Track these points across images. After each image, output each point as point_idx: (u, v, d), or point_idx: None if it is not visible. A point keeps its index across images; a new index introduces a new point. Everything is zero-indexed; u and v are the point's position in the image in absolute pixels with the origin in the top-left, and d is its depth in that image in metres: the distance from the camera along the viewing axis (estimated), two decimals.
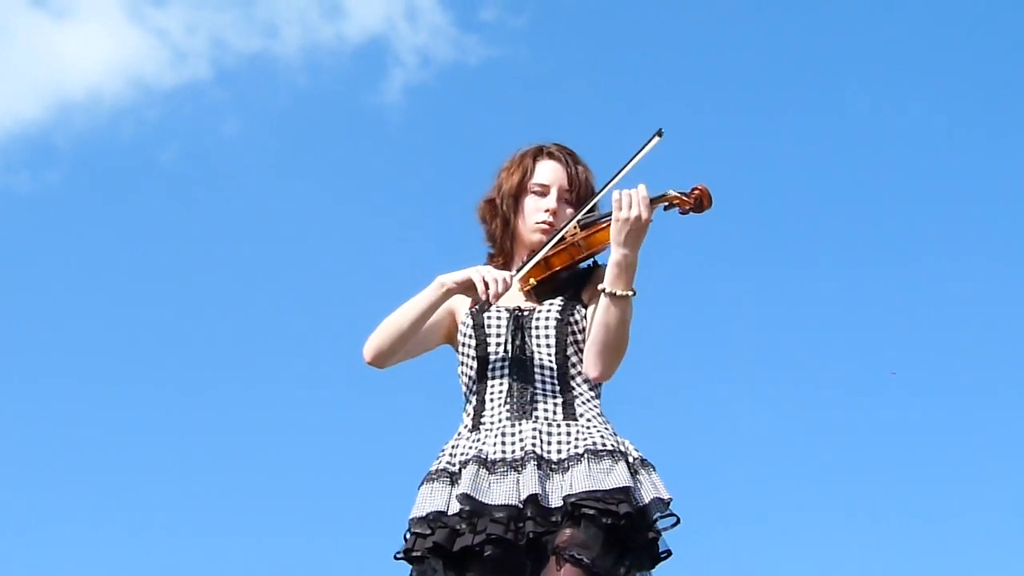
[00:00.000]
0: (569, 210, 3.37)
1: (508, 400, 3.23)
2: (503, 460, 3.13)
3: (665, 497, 3.11)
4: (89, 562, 7.98)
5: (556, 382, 3.24)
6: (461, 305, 3.38)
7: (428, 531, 3.11)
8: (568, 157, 3.43)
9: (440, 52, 9.39)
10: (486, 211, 3.46)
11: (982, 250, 8.98)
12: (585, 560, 3.00)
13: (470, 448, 3.19)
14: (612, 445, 3.14)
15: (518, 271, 3.30)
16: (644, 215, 3.14)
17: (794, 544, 7.88)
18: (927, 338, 8.82)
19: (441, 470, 3.19)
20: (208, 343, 8.91)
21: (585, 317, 3.31)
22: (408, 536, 3.16)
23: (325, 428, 8.44)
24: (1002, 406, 8.50)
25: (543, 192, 3.40)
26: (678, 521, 3.11)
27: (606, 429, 3.20)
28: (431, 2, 9.52)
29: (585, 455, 3.10)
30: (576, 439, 3.15)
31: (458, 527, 3.08)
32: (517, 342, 3.28)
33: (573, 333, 3.29)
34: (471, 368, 3.32)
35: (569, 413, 3.20)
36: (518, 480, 3.08)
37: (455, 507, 3.10)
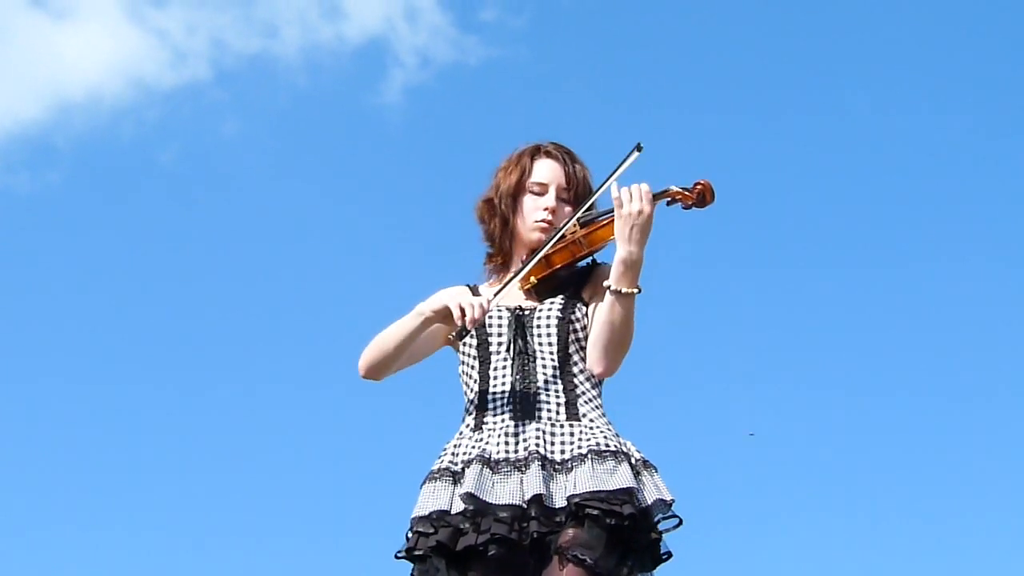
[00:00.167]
0: (567, 208, 3.38)
1: (511, 400, 3.23)
2: (507, 460, 3.13)
3: (668, 498, 3.11)
4: (89, 563, 7.99)
5: (559, 381, 3.24)
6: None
7: (431, 530, 3.10)
8: (565, 156, 3.43)
9: (440, 53, 9.39)
10: (484, 211, 3.46)
11: (982, 250, 8.99)
12: (588, 560, 3.00)
13: (473, 448, 3.19)
14: (615, 446, 3.14)
15: (500, 286, 3.30)
16: (647, 209, 3.15)
17: (795, 545, 7.89)
18: (927, 338, 8.83)
19: (443, 469, 3.19)
20: (208, 343, 8.91)
21: (586, 315, 3.31)
22: (410, 535, 3.16)
23: (325, 428, 8.44)
24: (1002, 406, 8.51)
25: (541, 191, 3.40)
26: (680, 522, 3.11)
27: (609, 430, 3.20)
28: (431, 3, 9.52)
29: (589, 455, 3.10)
30: (579, 439, 3.15)
31: (461, 526, 3.08)
32: (519, 341, 3.28)
33: (575, 331, 3.29)
34: (473, 368, 3.32)
35: (572, 413, 3.20)
36: (522, 480, 3.08)
37: (458, 506, 3.10)
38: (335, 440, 8.37)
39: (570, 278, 3.38)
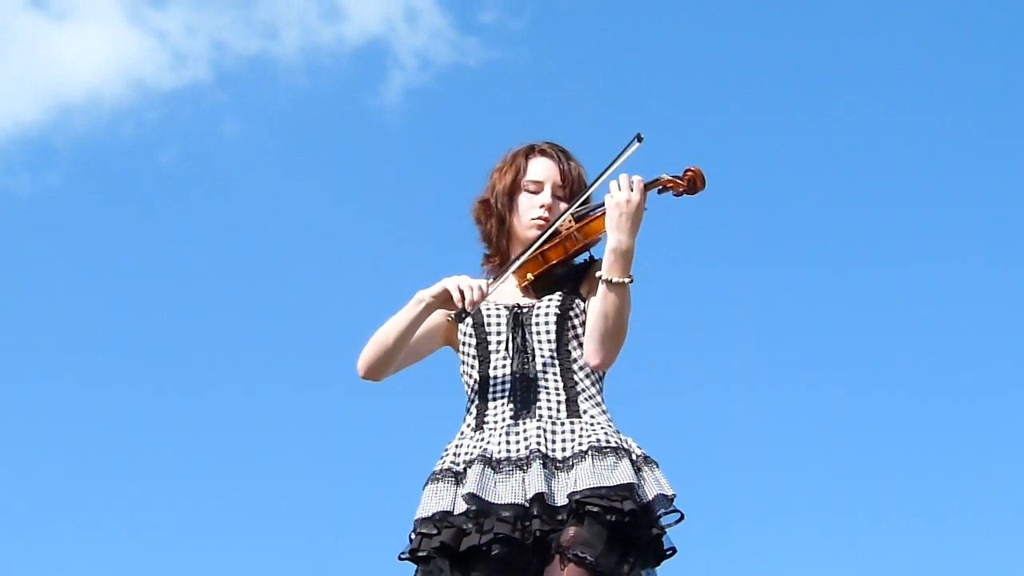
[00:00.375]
0: (563, 205, 3.38)
1: (511, 398, 3.23)
2: (508, 459, 3.13)
3: (669, 493, 3.11)
4: (90, 563, 7.99)
5: (559, 378, 3.24)
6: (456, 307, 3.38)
7: (434, 531, 3.11)
8: (560, 154, 3.44)
9: (439, 54, 9.40)
10: (480, 212, 3.47)
11: (982, 249, 9.00)
12: (588, 558, 3.00)
13: (474, 448, 3.19)
14: (616, 442, 3.14)
15: (496, 278, 3.31)
16: (635, 198, 3.16)
17: (798, 541, 7.89)
18: (927, 336, 8.84)
19: (445, 470, 3.19)
20: (208, 344, 8.91)
21: (584, 311, 3.31)
22: (413, 536, 3.16)
23: (327, 429, 8.44)
24: (1003, 406, 8.51)
25: (537, 189, 3.41)
26: (682, 517, 3.11)
27: (609, 426, 3.20)
28: (430, 4, 9.53)
29: (589, 452, 3.10)
30: (580, 436, 3.15)
31: (465, 526, 3.08)
32: (518, 339, 3.28)
33: (573, 327, 3.29)
34: (472, 367, 3.32)
35: (573, 410, 3.20)
36: (524, 479, 3.08)
37: (461, 507, 3.10)
38: (337, 441, 8.38)
39: (568, 275, 3.38)
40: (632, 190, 3.17)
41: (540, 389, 3.23)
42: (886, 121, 9.24)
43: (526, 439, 3.15)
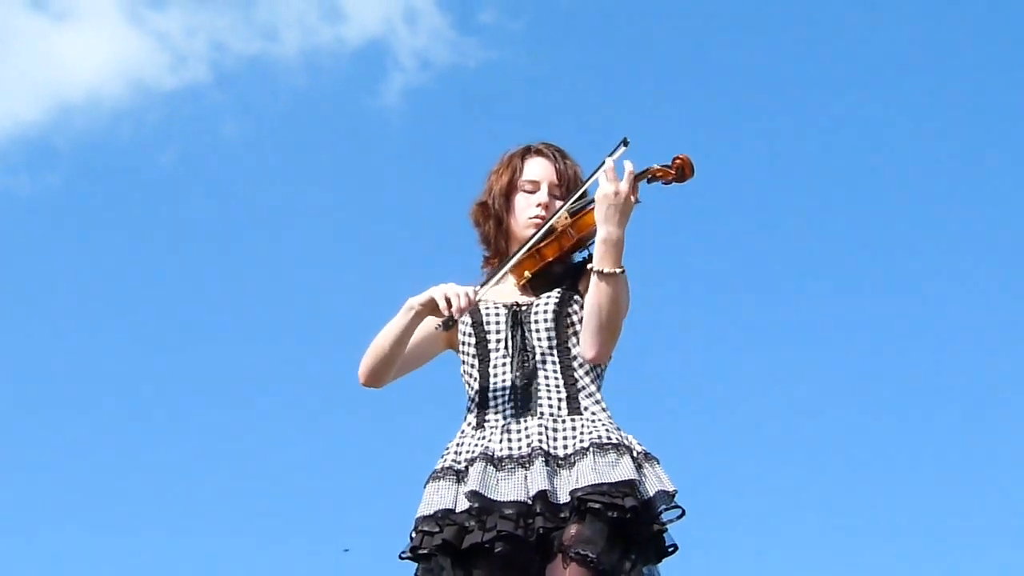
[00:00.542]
0: (560, 204, 3.39)
1: (512, 396, 3.23)
2: (510, 457, 3.13)
3: (670, 489, 3.11)
4: (92, 564, 7.99)
5: (559, 375, 3.24)
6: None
7: (436, 529, 3.10)
8: (556, 153, 3.45)
9: (439, 55, 9.41)
10: (479, 214, 3.48)
11: (982, 248, 9.01)
12: (590, 556, 2.99)
13: (476, 446, 3.19)
14: (617, 438, 3.14)
15: (489, 279, 3.31)
16: (623, 189, 3.16)
17: (800, 539, 7.89)
18: (927, 336, 8.85)
19: (447, 468, 3.19)
20: (208, 344, 8.92)
21: (583, 308, 3.32)
22: (415, 535, 3.16)
23: (326, 429, 8.44)
24: (1005, 406, 8.52)
25: (533, 189, 3.42)
26: (683, 513, 3.11)
27: (610, 422, 3.20)
28: (430, 5, 9.54)
29: (590, 449, 3.10)
30: (581, 433, 3.15)
31: (467, 524, 3.07)
32: (517, 337, 3.29)
33: (572, 324, 3.29)
34: (473, 367, 3.32)
35: (573, 407, 3.20)
36: (526, 476, 3.08)
37: (463, 504, 3.10)
38: (337, 442, 8.38)
39: (566, 272, 3.38)
40: (619, 181, 3.18)
41: (540, 387, 3.23)
42: (886, 119, 9.26)
43: (527, 437, 3.15)
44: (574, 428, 3.17)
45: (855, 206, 9.20)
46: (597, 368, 3.29)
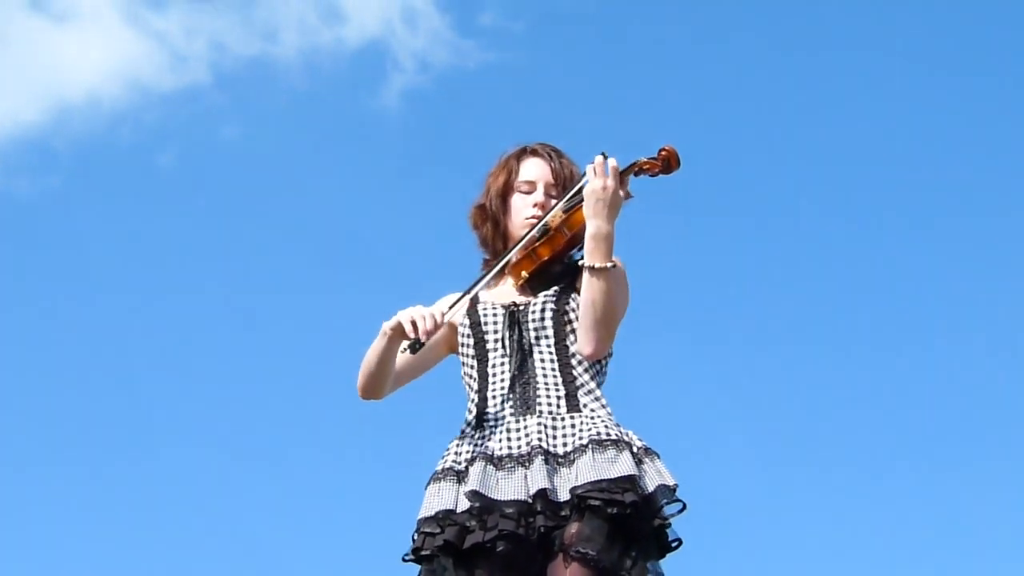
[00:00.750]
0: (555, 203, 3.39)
1: (511, 396, 3.23)
2: (510, 456, 3.13)
3: (670, 483, 3.10)
4: (94, 565, 7.99)
5: (557, 374, 3.24)
6: (459, 313, 3.39)
7: (438, 530, 3.10)
8: (551, 153, 3.45)
9: (438, 57, 9.42)
10: (477, 217, 3.49)
11: (980, 247, 9.02)
12: (590, 554, 2.99)
13: (475, 445, 3.19)
14: (616, 435, 3.13)
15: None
16: (610, 184, 3.17)
17: (804, 534, 7.90)
18: (928, 334, 8.86)
19: (447, 469, 3.19)
20: (208, 346, 8.92)
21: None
22: (416, 536, 3.16)
23: (327, 430, 8.44)
24: (1006, 406, 8.53)
25: (530, 189, 3.42)
26: (684, 507, 3.10)
27: (609, 419, 3.20)
28: (430, 7, 9.55)
29: (590, 446, 3.10)
30: (580, 431, 3.15)
31: (468, 524, 3.07)
32: (515, 337, 3.29)
33: (570, 322, 3.29)
34: (472, 368, 3.33)
35: (572, 405, 3.20)
36: (526, 475, 3.08)
37: (464, 505, 3.10)
38: (340, 444, 8.37)
39: (564, 271, 3.38)
40: (607, 175, 3.18)
41: (539, 385, 3.23)
42: (886, 117, 9.27)
43: (527, 435, 3.15)
44: (573, 426, 3.17)
45: (856, 204, 9.22)
46: (597, 364, 3.29)
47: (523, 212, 3.41)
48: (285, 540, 8.03)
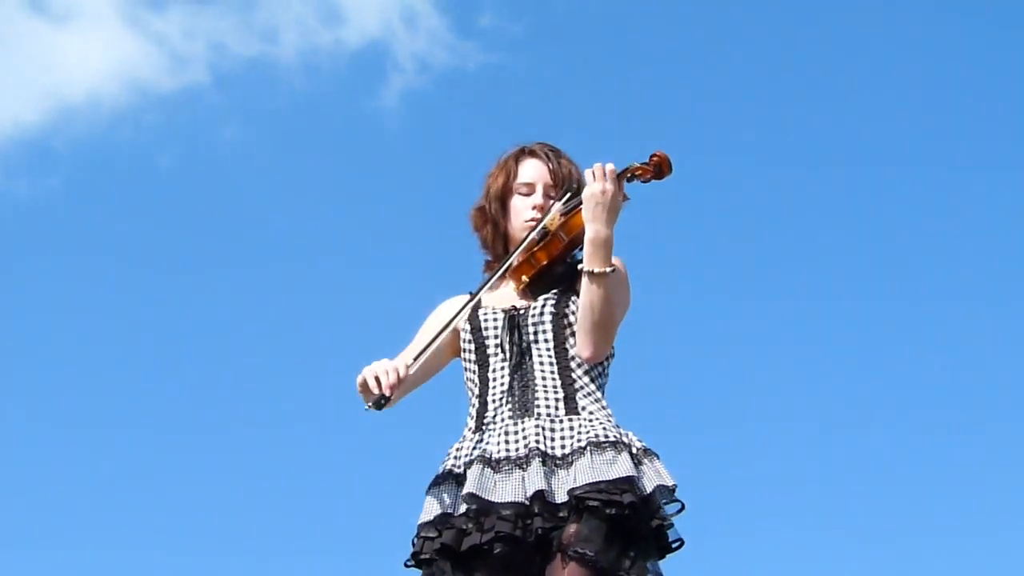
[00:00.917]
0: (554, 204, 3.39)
1: (509, 399, 3.24)
2: (507, 458, 3.13)
3: (669, 484, 3.10)
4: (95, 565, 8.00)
5: (556, 377, 3.25)
6: (460, 316, 3.40)
7: (435, 533, 3.12)
8: (550, 153, 3.45)
9: (438, 58, 9.43)
10: (477, 219, 3.49)
11: (981, 246, 9.04)
12: (589, 554, 2.99)
13: (474, 449, 3.20)
14: (614, 436, 3.14)
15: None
16: (609, 188, 3.16)
17: (804, 536, 7.91)
18: (929, 332, 8.87)
19: (447, 473, 3.21)
20: (208, 347, 8.92)
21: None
22: (416, 540, 3.17)
23: (327, 431, 8.44)
24: (1008, 406, 8.54)
25: (528, 191, 3.42)
26: (683, 507, 3.10)
27: (608, 421, 3.20)
28: (429, 8, 9.56)
29: (588, 447, 3.10)
30: (578, 433, 3.15)
31: (465, 527, 3.08)
32: (514, 340, 3.29)
33: (570, 325, 3.29)
34: (474, 372, 3.34)
35: (571, 407, 3.21)
36: (523, 477, 3.09)
37: (462, 508, 3.11)
38: (342, 447, 8.37)
39: (564, 273, 3.38)
40: (606, 180, 3.18)
41: (538, 388, 3.23)
42: (888, 115, 9.29)
43: (525, 438, 3.16)
44: (572, 428, 3.17)
45: (857, 205, 9.22)
46: (599, 366, 3.30)
47: (522, 214, 3.41)
48: (287, 543, 8.04)
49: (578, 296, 3.30)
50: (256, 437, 8.55)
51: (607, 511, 3.01)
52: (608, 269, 3.16)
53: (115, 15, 9.66)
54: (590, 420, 3.18)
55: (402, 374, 3.19)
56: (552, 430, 3.17)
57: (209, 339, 8.97)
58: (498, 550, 3.04)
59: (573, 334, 3.28)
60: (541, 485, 3.05)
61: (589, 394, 3.24)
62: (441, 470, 3.23)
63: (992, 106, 9.28)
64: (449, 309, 3.41)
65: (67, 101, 9.38)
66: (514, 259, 3.34)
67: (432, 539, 3.12)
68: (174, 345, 8.92)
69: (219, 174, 9.41)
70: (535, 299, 3.35)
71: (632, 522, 3.05)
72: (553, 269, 3.37)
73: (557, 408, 3.20)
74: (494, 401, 3.26)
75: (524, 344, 3.28)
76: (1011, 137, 9.17)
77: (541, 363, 3.26)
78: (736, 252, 8.92)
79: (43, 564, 8.03)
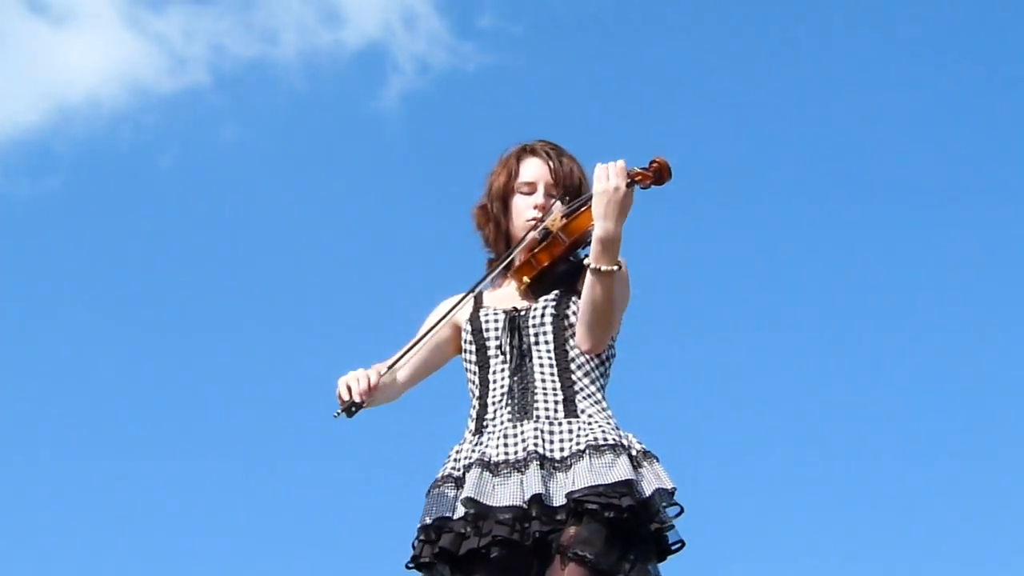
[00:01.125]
0: (557, 203, 3.38)
1: (509, 401, 3.24)
2: (506, 462, 3.13)
3: (668, 487, 3.10)
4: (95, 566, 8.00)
5: (556, 379, 3.24)
6: (462, 315, 3.41)
7: (434, 537, 3.12)
8: (551, 151, 3.44)
9: (438, 59, 9.43)
10: (480, 217, 3.49)
11: (978, 244, 9.05)
12: (588, 557, 2.99)
13: (473, 452, 3.20)
14: (614, 439, 3.13)
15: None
16: (622, 185, 3.14)
17: (804, 537, 7.91)
18: (930, 331, 8.87)
19: (446, 476, 3.21)
20: (208, 347, 8.92)
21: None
22: (416, 543, 3.18)
23: (328, 432, 8.43)
24: (1006, 407, 8.54)
25: (530, 190, 3.42)
26: (682, 511, 3.10)
27: (608, 424, 3.19)
28: (429, 9, 9.56)
29: (587, 451, 3.10)
30: (577, 436, 3.15)
31: (463, 531, 3.09)
32: (514, 342, 3.29)
33: (571, 326, 3.28)
34: (474, 373, 3.33)
35: (570, 410, 3.20)
36: (522, 481, 3.08)
37: (461, 511, 3.11)
38: (343, 447, 8.38)
39: (566, 274, 3.37)
40: (618, 177, 3.15)
41: (537, 390, 3.23)
42: (887, 115, 9.29)
43: (523, 441, 3.16)
44: (571, 431, 3.16)
45: (851, 202, 9.23)
46: (600, 367, 3.30)
47: (524, 214, 3.41)
48: (288, 543, 8.04)
49: (579, 297, 3.29)
50: (256, 437, 8.55)
51: (606, 514, 3.01)
52: (615, 268, 3.16)
53: (115, 16, 9.67)
54: (589, 423, 3.17)
55: (374, 381, 3.23)
56: (551, 433, 3.17)
57: (209, 339, 8.98)
58: (495, 554, 3.04)
59: (574, 335, 3.28)
60: (539, 489, 3.05)
61: (589, 396, 3.24)
62: (441, 473, 3.23)
63: (990, 106, 9.29)
64: (447, 307, 3.41)
65: (67, 102, 9.39)
66: (514, 257, 3.34)
67: (431, 543, 3.12)
68: (174, 345, 8.93)
69: (219, 175, 9.42)
70: (536, 300, 3.35)
71: (631, 525, 3.05)
72: (554, 269, 3.36)
73: (556, 411, 3.20)
74: (494, 403, 3.26)
75: (524, 346, 3.28)
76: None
77: (541, 365, 3.26)
78: (737, 252, 8.92)
79: (42, 564, 8.04)
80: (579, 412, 3.20)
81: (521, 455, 3.13)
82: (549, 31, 9.57)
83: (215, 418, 8.65)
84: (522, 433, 3.17)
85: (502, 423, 3.21)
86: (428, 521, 3.15)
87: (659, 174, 3.23)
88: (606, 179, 3.16)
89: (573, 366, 3.26)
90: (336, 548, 7.86)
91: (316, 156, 9.43)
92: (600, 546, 3.01)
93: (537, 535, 3.04)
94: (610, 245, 3.15)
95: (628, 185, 3.19)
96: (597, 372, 3.29)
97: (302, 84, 9.44)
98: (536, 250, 3.34)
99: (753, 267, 8.97)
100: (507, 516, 3.04)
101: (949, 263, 9.00)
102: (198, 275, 9.16)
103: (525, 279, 3.35)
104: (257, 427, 8.58)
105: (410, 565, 3.18)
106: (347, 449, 8.24)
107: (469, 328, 3.36)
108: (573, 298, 3.32)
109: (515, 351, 3.27)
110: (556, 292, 3.34)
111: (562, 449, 3.14)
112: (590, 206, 3.21)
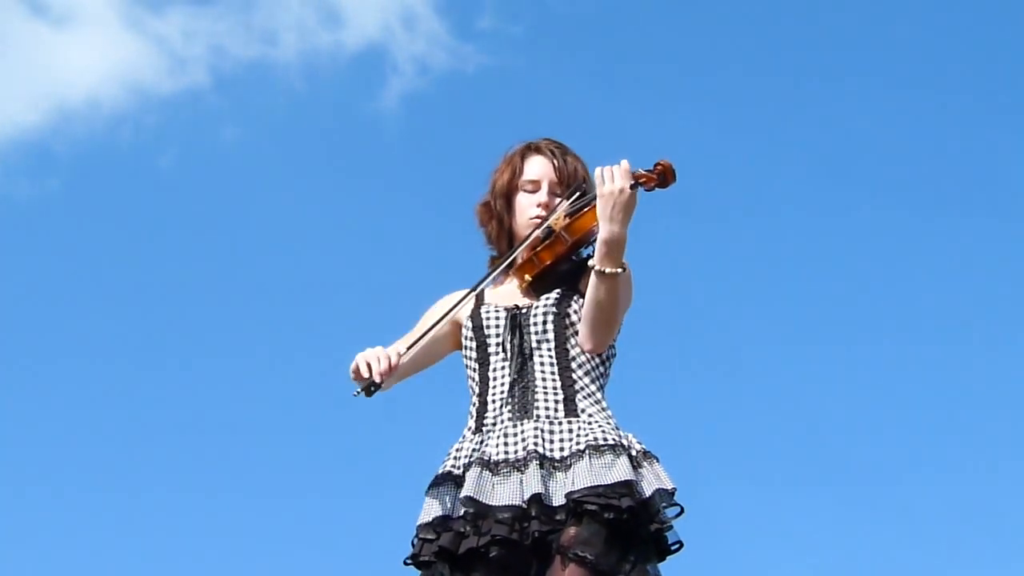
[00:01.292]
0: (560, 202, 3.38)
1: (509, 400, 3.23)
2: (506, 461, 3.13)
3: (668, 487, 3.09)
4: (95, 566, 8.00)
5: (556, 378, 3.24)
6: (463, 312, 3.40)
7: (434, 535, 3.12)
8: (556, 150, 3.44)
9: (437, 60, 9.43)
10: (483, 214, 3.48)
11: (979, 243, 9.05)
12: (588, 557, 2.99)
13: (473, 450, 3.19)
14: (614, 439, 3.13)
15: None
16: (627, 187, 3.14)
17: (804, 537, 7.91)
18: (930, 331, 8.87)
19: (446, 474, 3.21)
20: (208, 348, 8.93)
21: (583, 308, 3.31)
22: (415, 542, 3.17)
23: (328, 433, 8.45)
24: (1007, 406, 8.54)
25: (534, 188, 3.41)
26: (682, 511, 3.09)
27: (608, 424, 3.19)
28: (429, 10, 9.56)
29: (587, 451, 3.09)
30: (577, 435, 3.14)
31: (463, 530, 3.08)
32: (515, 340, 3.29)
33: (572, 325, 3.28)
34: (474, 371, 3.33)
35: (570, 409, 3.20)
36: (521, 480, 3.08)
37: (460, 510, 3.11)
38: (344, 448, 8.38)
39: (568, 272, 3.37)
40: (623, 179, 3.14)
41: (538, 389, 3.23)
42: (887, 114, 9.30)
43: (523, 440, 3.15)
44: (571, 431, 3.16)
45: (850, 202, 9.24)
46: (601, 367, 3.29)
47: (527, 212, 3.40)
48: (288, 543, 8.04)
49: (581, 296, 3.30)
50: (256, 436, 8.56)
51: (606, 515, 3.01)
52: (620, 270, 3.15)
53: (115, 17, 9.67)
54: (589, 423, 3.17)
55: (394, 362, 3.21)
56: (551, 432, 3.16)
57: (209, 339, 8.98)
58: (494, 553, 3.04)
59: (575, 334, 3.28)
60: (538, 488, 3.05)
61: (589, 395, 3.23)
62: (440, 471, 3.23)
63: (989, 105, 9.29)
64: (449, 302, 3.41)
65: (67, 103, 9.40)
66: (517, 255, 3.34)
67: (430, 541, 3.12)
68: (174, 345, 8.93)
69: (219, 176, 9.42)
70: (537, 298, 3.34)
71: (631, 526, 3.05)
72: (556, 268, 3.35)
73: (556, 410, 3.20)
74: (494, 402, 3.25)
75: (525, 344, 3.28)
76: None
77: (542, 364, 3.26)
78: (736, 252, 8.93)
79: (43, 564, 8.04)
80: (579, 411, 3.19)
81: (521, 454, 3.13)
82: (549, 32, 9.58)
83: (215, 418, 8.65)
84: (522, 432, 3.17)
85: (502, 422, 3.21)
86: (428, 519, 3.14)
87: (663, 177, 3.22)
88: (611, 181, 3.15)
89: (574, 365, 3.26)
90: (335, 547, 7.87)
91: (316, 157, 9.44)
92: (600, 547, 3.00)
93: (536, 535, 3.03)
94: (615, 247, 3.14)
95: (632, 187, 3.18)
96: (598, 371, 3.29)
97: (302, 85, 9.44)
98: (539, 248, 3.33)
99: (753, 267, 8.98)
100: (506, 515, 3.04)
101: (949, 263, 9.01)
102: (198, 275, 9.17)
103: (527, 277, 3.35)
104: (257, 427, 8.59)
105: (408, 562, 3.18)
106: (347, 447, 8.26)
107: (470, 325, 3.35)
108: (575, 297, 3.32)
109: (516, 349, 3.27)
110: (558, 291, 3.33)
111: (562, 449, 3.13)
112: (594, 206, 3.20)
